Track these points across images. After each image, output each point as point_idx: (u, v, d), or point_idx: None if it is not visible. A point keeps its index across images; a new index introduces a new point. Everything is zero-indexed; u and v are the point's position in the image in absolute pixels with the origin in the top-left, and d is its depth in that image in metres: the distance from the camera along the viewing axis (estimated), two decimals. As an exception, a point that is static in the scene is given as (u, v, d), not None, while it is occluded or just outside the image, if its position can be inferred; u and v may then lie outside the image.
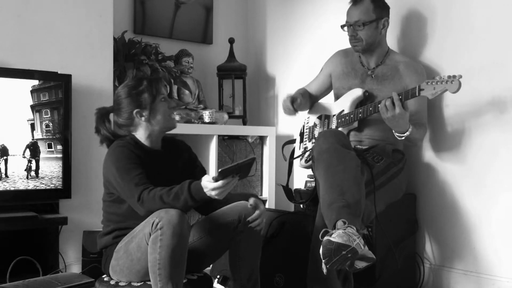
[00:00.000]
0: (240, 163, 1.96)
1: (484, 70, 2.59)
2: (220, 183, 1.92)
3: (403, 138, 2.46)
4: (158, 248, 1.91)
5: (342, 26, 2.70)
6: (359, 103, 2.65)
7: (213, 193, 1.94)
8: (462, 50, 2.67)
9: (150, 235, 1.94)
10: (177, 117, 3.21)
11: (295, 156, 2.88)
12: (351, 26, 2.66)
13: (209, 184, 1.94)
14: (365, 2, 2.63)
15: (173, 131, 3.13)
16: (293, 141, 3.05)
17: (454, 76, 2.28)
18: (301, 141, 2.92)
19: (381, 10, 2.65)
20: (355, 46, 2.70)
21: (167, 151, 2.28)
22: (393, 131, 2.47)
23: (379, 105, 2.42)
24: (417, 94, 2.35)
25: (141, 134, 2.22)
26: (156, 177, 2.09)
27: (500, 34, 2.56)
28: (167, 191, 2.00)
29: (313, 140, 2.79)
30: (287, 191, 2.83)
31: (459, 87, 2.26)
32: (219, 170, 1.92)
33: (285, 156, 2.95)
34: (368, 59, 2.74)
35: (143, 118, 2.19)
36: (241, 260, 2.15)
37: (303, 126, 2.94)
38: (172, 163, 2.26)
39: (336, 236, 1.89)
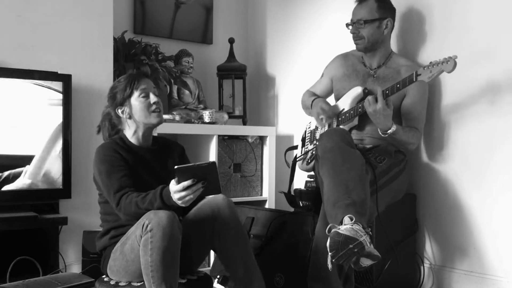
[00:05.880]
0: (198, 164, 1.93)
1: (482, 66, 2.59)
2: (180, 186, 1.91)
3: (386, 135, 2.47)
4: (149, 251, 1.90)
5: (347, 25, 2.72)
6: (359, 101, 2.65)
7: (176, 196, 1.93)
8: (460, 48, 2.68)
9: (141, 237, 1.94)
10: (177, 117, 3.21)
11: (297, 158, 2.88)
12: (354, 24, 2.68)
13: (172, 186, 1.94)
14: (370, 2, 2.66)
15: (173, 132, 3.13)
16: (295, 147, 3.06)
17: (450, 57, 2.28)
18: (303, 145, 2.92)
19: (385, 11, 2.67)
20: (357, 45, 2.71)
21: (157, 149, 2.28)
22: (378, 128, 2.48)
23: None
24: (414, 80, 2.36)
25: (128, 132, 2.24)
26: (143, 175, 2.10)
27: (499, 34, 2.56)
28: (142, 198, 2.01)
29: (315, 142, 2.79)
30: (289, 197, 2.83)
31: (455, 66, 2.26)
32: (175, 167, 1.91)
33: (288, 162, 2.93)
34: (371, 59, 2.75)
35: (124, 115, 2.21)
36: (228, 258, 2.12)
37: (305, 131, 2.94)
38: (161, 162, 2.26)
39: (344, 230, 1.88)
